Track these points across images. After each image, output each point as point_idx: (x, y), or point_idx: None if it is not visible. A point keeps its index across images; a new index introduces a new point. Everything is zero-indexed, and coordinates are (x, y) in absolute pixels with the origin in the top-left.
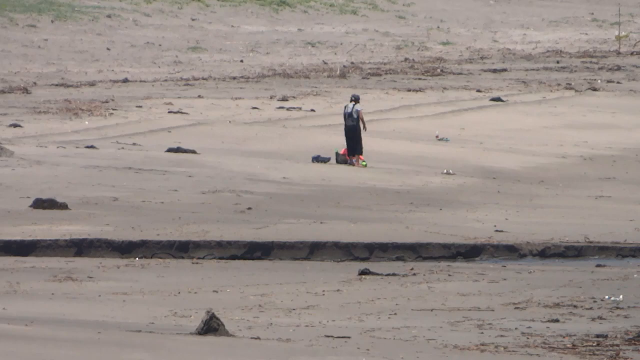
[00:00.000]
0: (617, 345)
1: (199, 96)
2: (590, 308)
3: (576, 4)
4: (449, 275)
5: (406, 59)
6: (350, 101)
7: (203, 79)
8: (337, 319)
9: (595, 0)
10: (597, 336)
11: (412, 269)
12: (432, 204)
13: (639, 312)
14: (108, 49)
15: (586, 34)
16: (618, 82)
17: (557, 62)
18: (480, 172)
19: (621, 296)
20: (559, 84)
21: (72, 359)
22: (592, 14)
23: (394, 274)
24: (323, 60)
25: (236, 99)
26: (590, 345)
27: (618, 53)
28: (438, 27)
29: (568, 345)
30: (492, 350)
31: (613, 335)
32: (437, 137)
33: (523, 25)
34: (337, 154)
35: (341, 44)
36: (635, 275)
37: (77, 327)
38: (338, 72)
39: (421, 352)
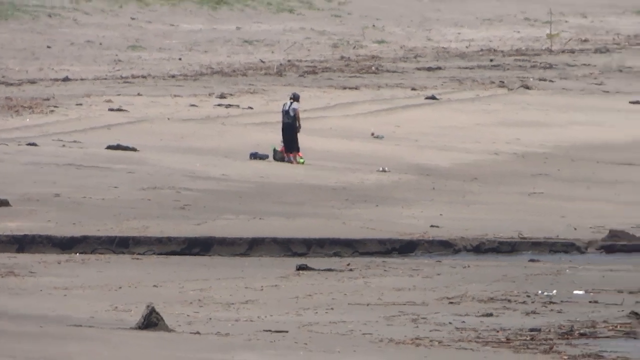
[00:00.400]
0: (551, 339)
1: (139, 94)
2: (524, 302)
3: (508, 3)
4: (385, 270)
5: (342, 57)
6: (290, 99)
7: (142, 77)
8: (275, 314)
9: None
10: (531, 330)
11: (348, 264)
12: (368, 201)
13: (571, 307)
14: (49, 47)
15: (519, 32)
16: (550, 81)
17: (491, 60)
18: (414, 169)
19: (554, 291)
20: (492, 82)
21: (15, 351)
22: (524, 12)
23: (330, 270)
24: (260, 59)
25: (175, 96)
26: (524, 339)
27: (550, 51)
28: (373, 25)
29: (502, 340)
30: (427, 345)
31: (546, 330)
32: (372, 134)
33: (457, 24)
34: (274, 151)
35: (278, 42)
36: (567, 271)
37: (19, 320)
38: (275, 70)
39: (357, 346)
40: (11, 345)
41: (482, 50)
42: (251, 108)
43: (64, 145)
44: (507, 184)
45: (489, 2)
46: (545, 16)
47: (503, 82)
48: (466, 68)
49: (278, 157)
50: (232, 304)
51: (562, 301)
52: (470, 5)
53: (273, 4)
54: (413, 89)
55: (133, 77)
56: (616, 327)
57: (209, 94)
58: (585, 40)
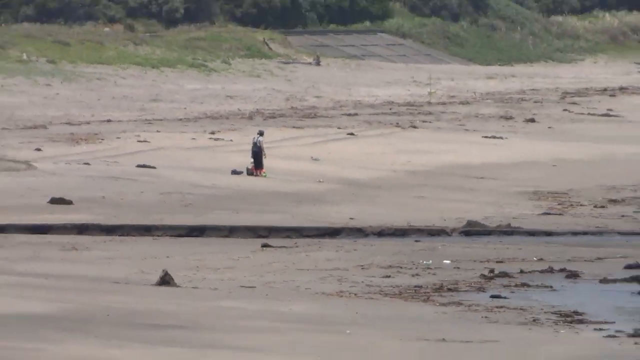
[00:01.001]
0: (428, 292)
1: (157, 131)
2: (411, 269)
3: (402, 70)
4: (319, 247)
5: (292, 107)
6: (257, 134)
7: (160, 120)
8: (247, 276)
9: (415, 68)
10: (415, 287)
11: (295, 243)
12: (309, 202)
13: (442, 271)
14: (98, 99)
15: (409, 90)
16: (430, 122)
17: (390, 109)
18: (341, 181)
19: (430, 261)
20: (391, 123)
21: (73, 302)
22: (413, 77)
23: (284, 247)
24: (238, 108)
25: (182, 132)
26: (411, 293)
27: (429, 103)
28: (312, 86)
29: (396, 293)
30: (347, 296)
31: (425, 286)
32: (312, 158)
33: (368, 85)
34: (247, 169)
35: (250, 97)
36: (439, 247)
37: (78, 280)
38: (248, 115)
39: (301, 297)
40: (72, 297)
41: (385, 102)
42: (232, 140)
43: (107, 164)
44: (401, 191)
45: (389, 70)
46: (427, 80)
47: (398, 124)
48: (374, 114)
49: (249, 173)
50: (219, 268)
51: (435, 268)
52: (377, 73)
53: (246, 71)
54: (339, 128)
55: (154, 120)
56: (471, 284)
57: (204, 131)
58: (453, 96)
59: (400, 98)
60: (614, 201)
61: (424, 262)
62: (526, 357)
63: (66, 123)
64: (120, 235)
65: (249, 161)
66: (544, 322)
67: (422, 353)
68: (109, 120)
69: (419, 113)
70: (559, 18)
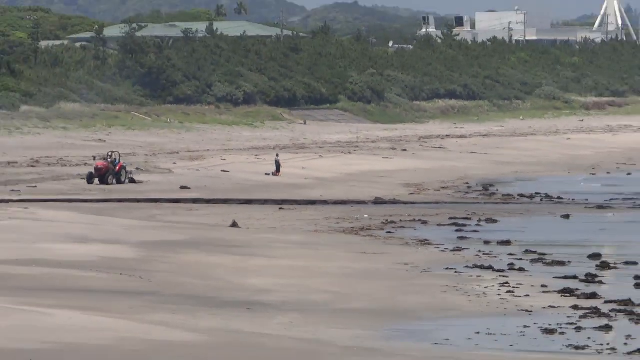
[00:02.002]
0: (357, 230)
1: (230, 155)
2: (349, 219)
3: (344, 127)
4: (306, 209)
5: (293, 144)
6: (276, 155)
7: (231, 149)
8: (272, 222)
9: (350, 126)
10: (351, 228)
11: (295, 207)
12: (301, 189)
13: (363, 221)
14: (202, 140)
15: (347, 136)
16: (356, 151)
17: (338, 144)
18: (316, 179)
19: (358, 216)
20: (339, 151)
21: (192, 234)
22: (350, 130)
23: (290, 209)
24: (267, 144)
25: (242, 155)
26: (348, 230)
27: (357, 142)
28: (302, 134)
29: (342, 230)
30: (319, 232)
31: (355, 227)
32: (302, 167)
33: (329, 133)
34: (272, 173)
35: (273, 139)
36: (362, 210)
37: (194, 225)
38: (273, 147)
39: (297, 232)
40: (192, 232)
41: (336, 142)
42: (265, 159)
43: (207, 170)
44: (343, 183)
45: (338, 127)
46: (355, 131)
47: (342, 151)
48: (331, 147)
49: (273, 175)
50: (258, 219)
51: (360, 219)
52: (332, 128)
53: (271, 127)
54: (315, 153)
55: (229, 149)
56: (377, 227)
57: (253, 155)
58: (368, 139)
59: (343, 140)
60: (443, 188)
61: (355, 216)
62: (402, 260)
63: (187, 151)
64: (213, 204)
65: (272, 169)
66: (411, 244)
67: (355, 257)
68: (207, 150)
69: (351, 147)
70: (417, 102)
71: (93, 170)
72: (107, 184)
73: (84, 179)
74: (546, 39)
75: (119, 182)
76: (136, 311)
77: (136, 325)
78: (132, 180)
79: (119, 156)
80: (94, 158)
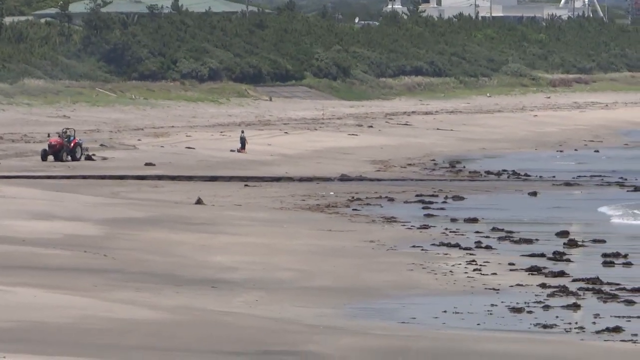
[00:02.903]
0: (322, 208)
1: (195, 131)
2: (314, 196)
3: (309, 103)
4: (271, 186)
5: (259, 120)
6: (242, 132)
7: (196, 126)
8: (237, 200)
9: (316, 102)
10: (317, 205)
11: (260, 185)
12: (267, 165)
13: (329, 198)
14: (167, 116)
15: (313, 113)
16: (322, 127)
17: (304, 121)
18: (281, 155)
19: (324, 193)
20: (304, 128)
21: (155, 212)
22: (315, 107)
23: (255, 186)
24: (233, 121)
25: (207, 132)
26: (314, 208)
27: (322, 119)
28: (268, 110)
29: (307, 208)
30: (284, 209)
31: (321, 205)
32: (267, 144)
33: (294, 110)
34: (237, 149)
35: (238, 115)
36: (327, 186)
37: (157, 202)
38: (238, 124)
39: (263, 210)
40: (154, 210)
41: (301, 118)
42: (230, 136)
43: (171, 147)
44: (309, 160)
45: (304, 103)
46: (321, 108)
47: (308, 128)
48: (297, 124)
49: (238, 151)
50: (223, 197)
51: (326, 196)
52: (298, 104)
53: (237, 103)
54: (280, 130)
55: (194, 126)
56: (343, 204)
57: (218, 132)
58: (333, 116)
59: (309, 116)
60: (410, 165)
61: (321, 193)
62: (368, 237)
63: (152, 127)
64: (178, 180)
65: (237, 146)
66: (378, 222)
67: (321, 235)
68: (172, 126)
69: (317, 123)
70: (383, 79)
71: (47, 147)
72: (62, 160)
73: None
74: (513, 15)
75: (73, 159)
76: (100, 289)
77: (100, 303)
78: (89, 157)
79: (74, 132)
80: (49, 135)
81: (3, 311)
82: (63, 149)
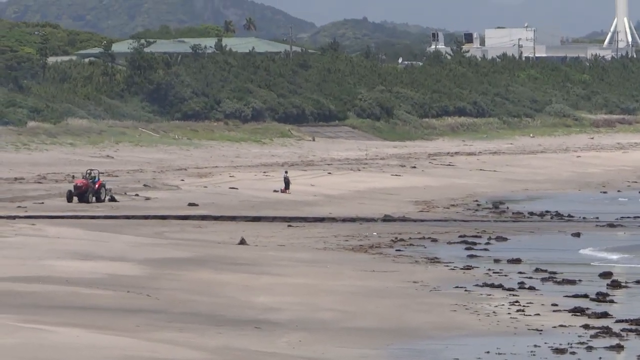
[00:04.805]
0: (366, 248)
1: (239, 171)
2: (357, 237)
3: (352, 144)
4: (315, 227)
5: (302, 160)
6: (285, 172)
7: (240, 166)
8: (280, 240)
9: (358, 143)
10: (360, 245)
11: (303, 225)
12: (310, 205)
13: (372, 238)
14: (210, 156)
15: (356, 153)
16: (365, 168)
17: (347, 162)
18: (324, 196)
19: (367, 233)
20: (347, 168)
21: (199, 252)
22: (358, 147)
23: (298, 226)
24: (276, 161)
25: (250, 172)
26: (357, 248)
27: (365, 159)
28: (311, 150)
29: (350, 248)
30: (327, 249)
31: (364, 245)
32: (310, 184)
33: (337, 150)
34: (280, 189)
35: (281, 155)
36: (371, 227)
37: (202, 242)
38: (281, 164)
39: (306, 250)
40: (199, 250)
41: (344, 159)
42: (273, 176)
43: (215, 187)
44: (352, 200)
45: (347, 144)
46: (364, 148)
47: (351, 168)
48: (340, 164)
49: (281, 191)
50: (267, 237)
51: (369, 236)
52: (341, 145)
53: (280, 143)
54: (323, 170)
55: (237, 166)
56: (386, 245)
57: (261, 172)
58: (377, 156)
59: (352, 157)
60: (453, 205)
61: (364, 234)
62: (411, 278)
63: (195, 167)
64: (221, 220)
65: (281, 186)
66: (421, 262)
67: (364, 275)
68: (215, 167)
69: (360, 164)
70: (426, 119)
71: (72, 189)
72: (87, 202)
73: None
74: (556, 55)
75: (98, 200)
76: (142, 329)
77: (142, 343)
78: (112, 199)
79: (99, 174)
80: (73, 177)
81: (46, 351)
82: (89, 191)
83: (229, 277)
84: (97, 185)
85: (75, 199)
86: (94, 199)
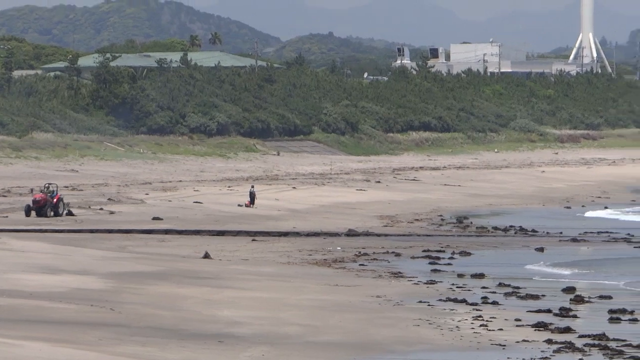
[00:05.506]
0: (329, 262)
1: (203, 186)
2: (321, 251)
3: (317, 158)
4: (279, 241)
5: (266, 175)
6: (251, 186)
7: (205, 180)
8: (244, 254)
9: (323, 157)
10: (323, 260)
11: (267, 239)
12: (274, 220)
13: (336, 253)
14: (175, 170)
15: (320, 167)
16: (330, 182)
17: (312, 176)
18: (288, 210)
19: (330, 247)
20: (312, 183)
21: (163, 265)
22: (323, 162)
23: (262, 241)
24: (241, 175)
25: (215, 187)
26: (321, 262)
27: (330, 174)
28: (275, 165)
29: (314, 262)
30: (291, 264)
31: (328, 259)
32: (275, 199)
33: (302, 165)
34: (245, 204)
35: (246, 170)
36: (335, 242)
37: (166, 256)
38: (246, 178)
39: (269, 264)
40: (162, 263)
41: (309, 173)
42: (238, 190)
43: (179, 201)
44: (317, 215)
45: (311, 158)
46: (329, 162)
47: (316, 183)
48: (304, 178)
49: (246, 206)
50: (231, 251)
51: (333, 251)
52: (305, 159)
53: (245, 158)
54: (288, 185)
55: (202, 180)
56: (350, 259)
57: (226, 186)
58: (341, 170)
59: (316, 171)
60: (417, 220)
61: (328, 248)
62: (375, 292)
63: (160, 182)
64: (185, 235)
65: (245, 200)
66: (384, 277)
67: (328, 290)
68: (180, 181)
69: (325, 178)
70: (391, 134)
71: (31, 203)
72: (46, 216)
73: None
74: (521, 71)
75: (56, 214)
76: (106, 343)
77: (105, 357)
78: (70, 213)
79: (57, 188)
80: (31, 191)
81: None
82: (47, 205)
83: (192, 291)
84: (55, 200)
85: (33, 213)
86: (52, 213)
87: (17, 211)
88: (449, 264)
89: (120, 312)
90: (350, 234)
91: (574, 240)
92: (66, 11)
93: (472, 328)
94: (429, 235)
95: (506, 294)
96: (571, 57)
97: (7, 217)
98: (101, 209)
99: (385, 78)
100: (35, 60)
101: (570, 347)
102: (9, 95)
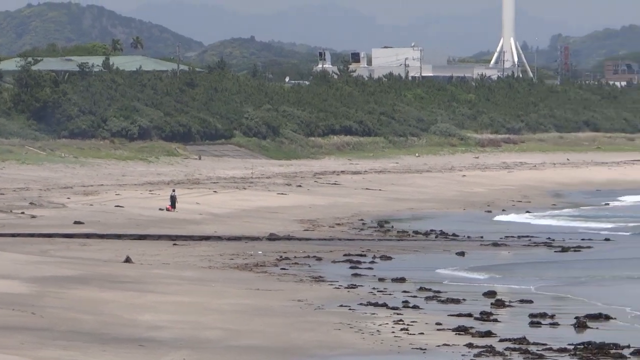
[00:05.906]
0: (251, 266)
1: (124, 190)
2: (243, 255)
3: (239, 162)
4: (200, 245)
5: (188, 179)
6: (172, 190)
7: (126, 184)
8: (165, 258)
9: (245, 161)
10: (245, 264)
11: (188, 243)
12: (195, 224)
13: (257, 257)
14: (97, 174)
15: (242, 172)
16: (251, 186)
17: (233, 180)
18: (210, 214)
19: (252, 252)
20: (233, 187)
21: (83, 269)
22: (245, 166)
23: (184, 245)
24: (162, 179)
25: (136, 190)
26: (242, 267)
27: (251, 178)
28: (197, 169)
29: (236, 267)
30: (212, 268)
31: (250, 264)
32: (196, 203)
33: (223, 169)
34: (166, 208)
35: (168, 174)
36: (256, 245)
37: (87, 260)
38: (167, 182)
39: (191, 268)
40: (83, 267)
41: (229, 177)
42: (159, 194)
43: (100, 205)
44: (238, 219)
45: (233, 162)
46: (250, 166)
47: (237, 187)
48: (226, 182)
49: (167, 210)
50: (152, 255)
51: (254, 254)
52: (227, 163)
53: (166, 162)
54: (209, 189)
55: (123, 184)
56: (271, 263)
57: (147, 190)
58: (263, 175)
59: (238, 175)
60: (338, 224)
61: (250, 252)
62: (296, 297)
63: (81, 186)
64: (107, 239)
65: (167, 204)
66: (305, 281)
67: (249, 294)
68: (101, 185)
69: (246, 182)
70: (312, 138)
71: None
72: None
73: None
74: (442, 75)
75: None
76: (27, 347)
77: None
78: None
79: None
80: None
81: None
82: None
83: (113, 295)
84: None
85: None
86: None
87: None
88: (370, 268)
89: (42, 316)
90: (272, 238)
91: (495, 244)
92: None
93: (393, 332)
94: (350, 240)
95: (427, 298)
96: (492, 61)
97: None
98: (22, 212)
99: (307, 82)
100: None
101: (491, 351)
102: None
